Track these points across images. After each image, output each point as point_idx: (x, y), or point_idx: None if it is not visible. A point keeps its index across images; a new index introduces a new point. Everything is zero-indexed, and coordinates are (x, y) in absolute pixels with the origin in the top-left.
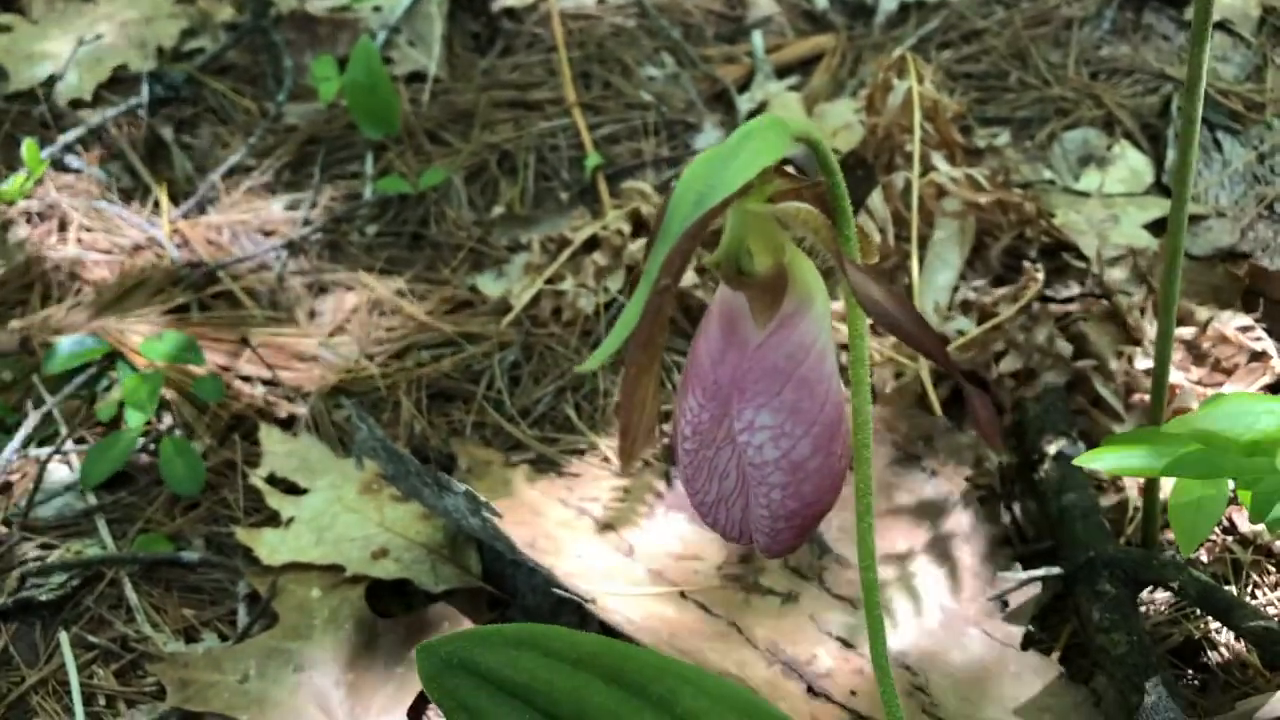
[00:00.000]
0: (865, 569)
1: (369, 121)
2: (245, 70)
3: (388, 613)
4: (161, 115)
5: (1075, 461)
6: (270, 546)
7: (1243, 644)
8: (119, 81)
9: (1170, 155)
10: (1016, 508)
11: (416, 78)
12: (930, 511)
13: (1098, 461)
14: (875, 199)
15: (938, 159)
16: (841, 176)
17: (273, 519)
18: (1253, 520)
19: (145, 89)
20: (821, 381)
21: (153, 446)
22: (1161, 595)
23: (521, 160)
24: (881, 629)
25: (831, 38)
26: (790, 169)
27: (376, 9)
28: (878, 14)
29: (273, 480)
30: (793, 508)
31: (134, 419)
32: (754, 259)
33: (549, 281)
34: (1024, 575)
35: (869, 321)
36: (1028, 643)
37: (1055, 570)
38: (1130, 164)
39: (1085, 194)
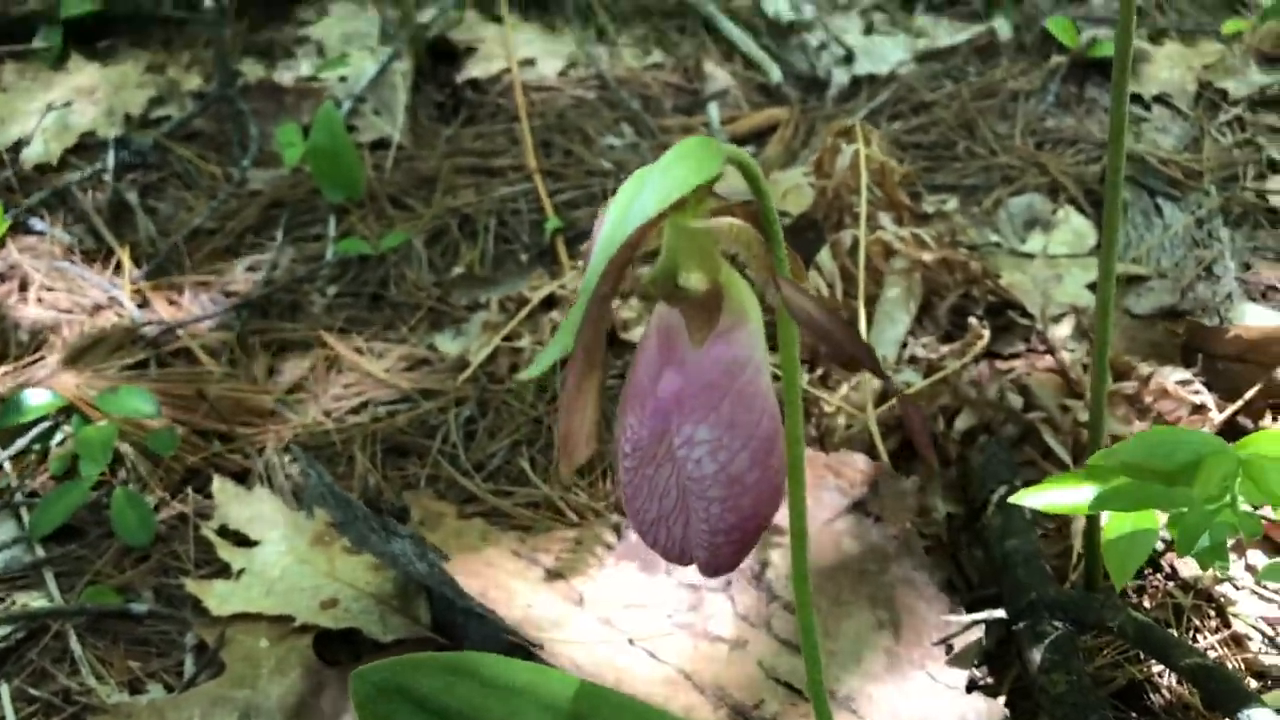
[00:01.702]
0: (799, 588)
1: (331, 186)
2: (211, 138)
3: (336, 662)
4: (127, 180)
5: (1011, 500)
6: (220, 597)
7: (1184, 686)
8: (86, 147)
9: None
10: (964, 556)
11: (381, 145)
12: (876, 557)
13: (1032, 499)
14: (824, 256)
15: (885, 219)
16: (770, 197)
17: (223, 571)
18: (1180, 553)
19: (111, 154)
20: (758, 396)
21: (105, 500)
22: (1105, 638)
23: (482, 224)
24: (817, 657)
25: (785, 110)
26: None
27: (343, 79)
28: (830, 87)
29: (224, 533)
30: (732, 521)
31: (87, 471)
32: (689, 276)
33: (506, 339)
34: (968, 619)
35: (804, 359)
36: (972, 686)
37: (998, 614)
38: (1074, 227)
39: (1030, 255)
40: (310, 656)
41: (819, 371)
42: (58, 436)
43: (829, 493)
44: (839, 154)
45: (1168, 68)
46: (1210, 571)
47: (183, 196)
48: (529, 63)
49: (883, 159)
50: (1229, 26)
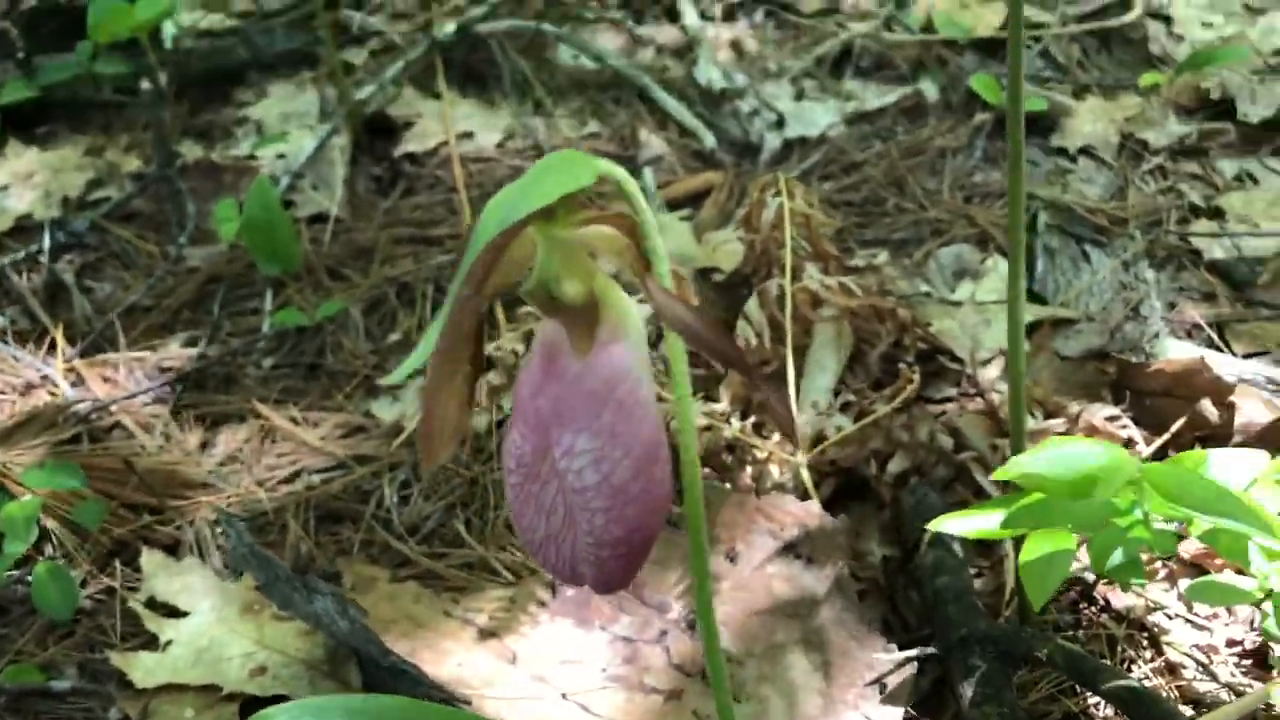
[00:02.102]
0: (701, 589)
1: (267, 258)
2: (150, 218)
3: None
4: (64, 261)
5: (928, 526)
6: (145, 669)
7: (1119, 716)
8: (23, 230)
9: (1040, 265)
10: (900, 599)
11: (319, 219)
12: (808, 600)
13: (952, 525)
14: (751, 305)
15: (812, 269)
16: (645, 206)
17: (150, 643)
18: (1095, 569)
19: (47, 236)
20: (639, 406)
21: (29, 576)
22: (1039, 673)
23: (420, 291)
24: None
25: (719, 174)
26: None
27: (281, 156)
28: (763, 151)
29: (153, 605)
30: (617, 534)
31: (11, 548)
32: (563, 285)
33: None
34: (899, 656)
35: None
36: None
37: (929, 650)
38: (1001, 274)
39: (959, 303)
40: None
41: (751, 419)
42: None
43: (760, 536)
44: (765, 208)
45: (1090, 121)
46: (1143, 602)
47: (120, 276)
48: (467, 135)
49: (807, 211)
50: (1146, 79)
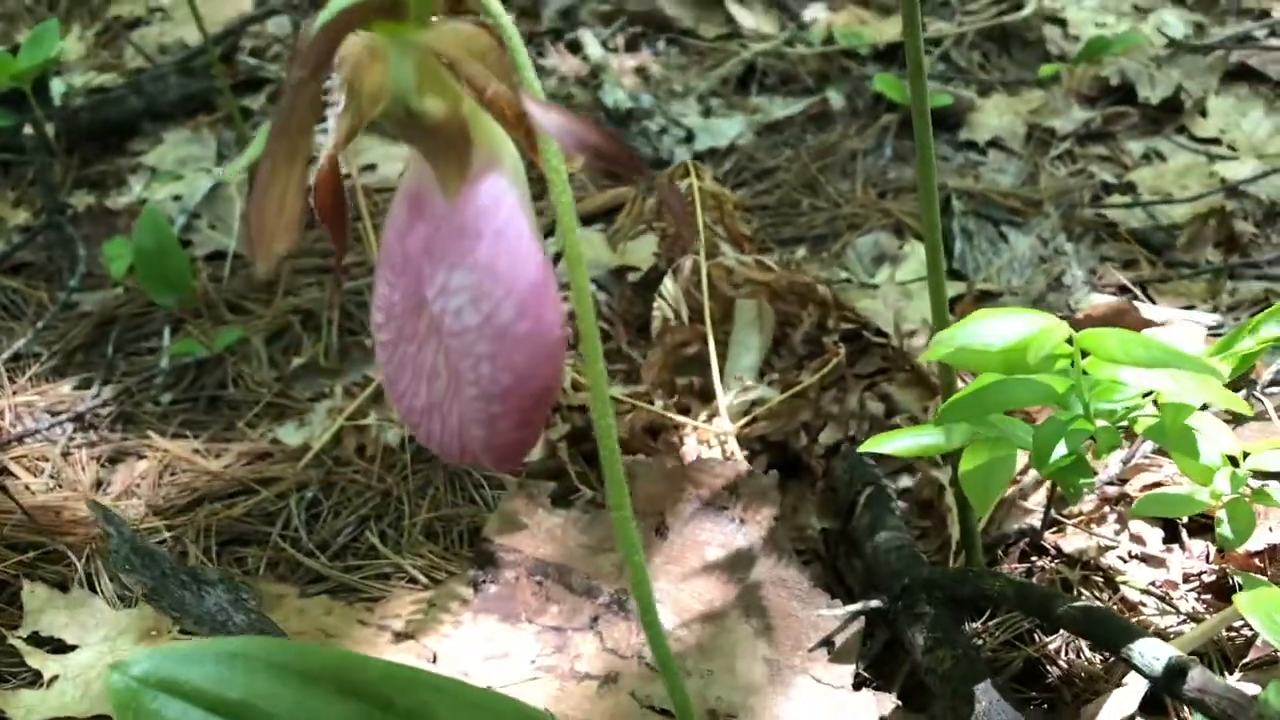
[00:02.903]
0: (633, 565)
1: (160, 288)
2: (40, 268)
3: None
4: None
5: (860, 449)
6: (27, 707)
7: (1081, 654)
8: None
9: (958, 246)
10: (843, 567)
11: (217, 256)
12: (742, 561)
13: (884, 445)
14: (666, 283)
15: (728, 249)
16: (506, 16)
17: (34, 682)
18: (1038, 470)
19: None
20: (521, 239)
21: None
22: (991, 622)
23: (325, 318)
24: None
25: (630, 189)
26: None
27: (176, 197)
28: (674, 162)
29: (38, 641)
30: (506, 383)
31: None
32: (424, 100)
33: (350, 418)
34: (843, 610)
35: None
36: (861, 686)
37: (874, 603)
38: (920, 257)
39: (878, 286)
40: None
41: (675, 398)
42: None
43: (688, 504)
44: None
45: (996, 115)
46: (1095, 543)
47: (8, 326)
48: (370, 168)
49: (715, 189)
50: (1046, 70)
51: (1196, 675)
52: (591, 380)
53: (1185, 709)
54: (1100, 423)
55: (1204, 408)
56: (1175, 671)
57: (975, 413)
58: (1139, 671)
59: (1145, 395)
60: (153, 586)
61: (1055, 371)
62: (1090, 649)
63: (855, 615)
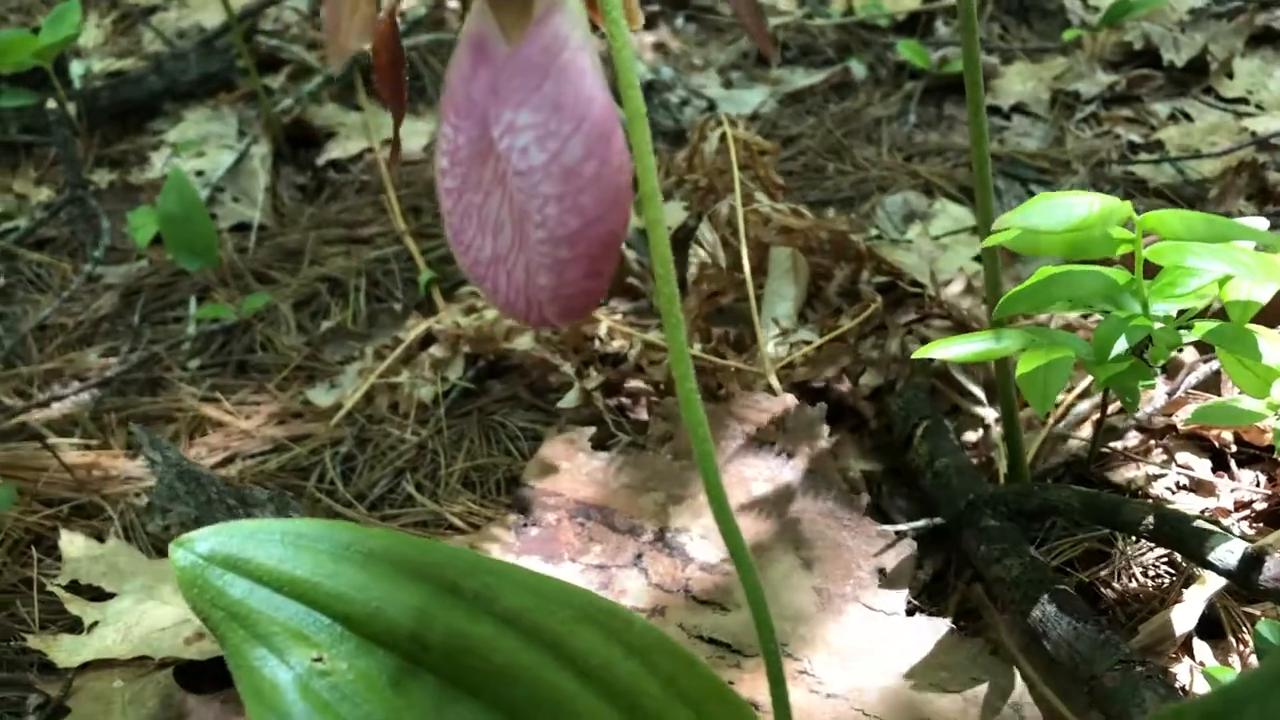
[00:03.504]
0: (720, 515)
1: (186, 254)
2: (63, 242)
3: (200, 690)
4: None
5: (916, 354)
6: (68, 650)
7: (1134, 578)
8: None
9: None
10: (888, 506)
11: (242, 228)
12: (789, 495)
13: (940, 350)
14: (702, 228)
15: (761, 197)
16: None
17: (74, 628)
18: (1097, 375)
19: None
20: (584, 75)
21: None
22: (1046, 548)
23: (353, 284)
24: (756, 583)
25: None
26: None
27: (199, 172)
28: None
29: (76, 589)
30: (574, 226)
31: None
32: None
33: (382, 377)
34: (904, 527)
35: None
36: (914, 613)
37: (937, 520)
38: (951, 214)
39: (910, 241)
40: (170, 685)
41: (712, 342)
42: None
43: (733, 440)
44: (706, 142)
45: (1020, 82)
46: (1143, 472)
47: (33, 299)
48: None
49: (748, 138)
50: (1068, 34)
51: (1273, 565)
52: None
53: (1244, 628)
54: (1159, 325)
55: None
56: (1251, 561)
57: (1036, 304)
58: (1213, 568)
59: (1202, 295)
60: (196, 516)
61: (1117, 265)
62: (1143, 574)
63: (917, 533)
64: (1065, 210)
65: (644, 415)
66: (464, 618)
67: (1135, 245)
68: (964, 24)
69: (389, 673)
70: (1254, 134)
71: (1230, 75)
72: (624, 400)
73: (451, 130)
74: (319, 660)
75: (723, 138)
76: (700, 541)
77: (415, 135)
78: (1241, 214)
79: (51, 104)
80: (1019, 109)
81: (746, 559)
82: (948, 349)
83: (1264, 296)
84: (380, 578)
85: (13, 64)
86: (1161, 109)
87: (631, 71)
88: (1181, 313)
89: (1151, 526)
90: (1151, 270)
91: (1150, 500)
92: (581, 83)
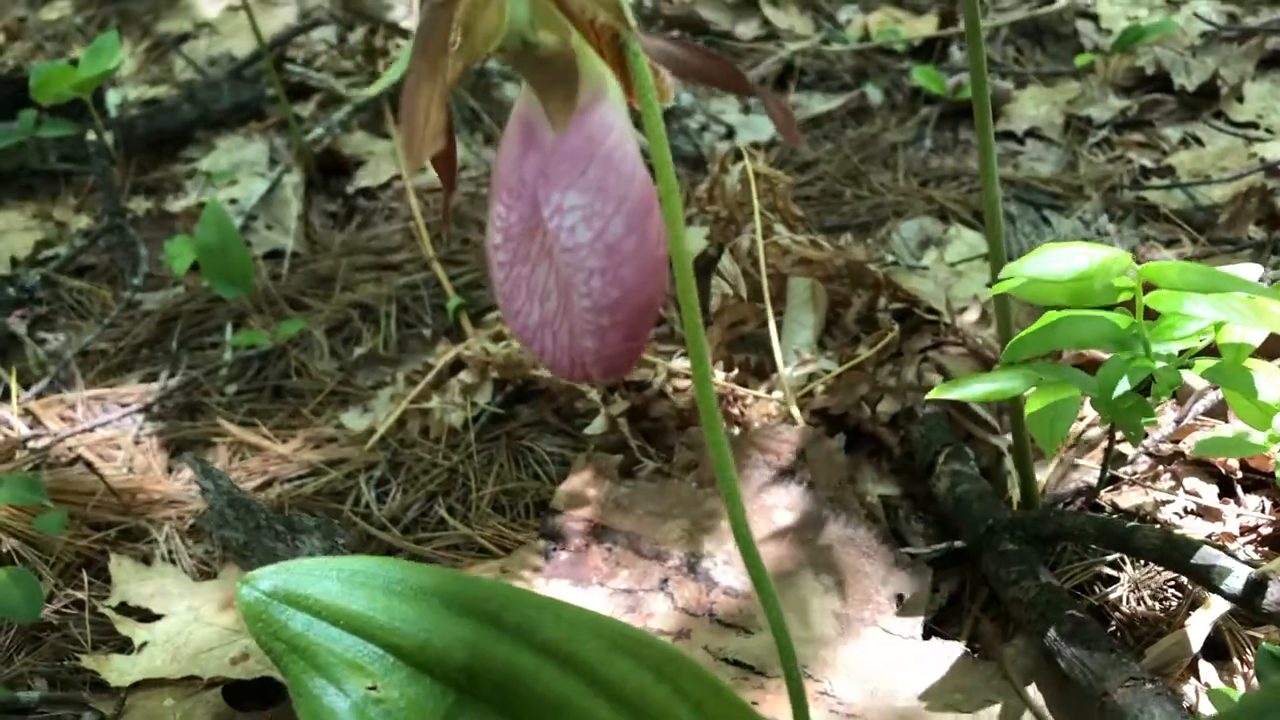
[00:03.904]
0: (742, 540)
1: (223, 282)
2: (103, 270)
3: (248, 709)
4: (15, 316)
5: (930, 395)
6: (120, 670)
7: (1143, 602)
8: None
9: (1002, 228)
10: (905, 530)
11: (275, 254)
12: (811, 522)
13: (954, 392)
14: (724, 260)
15: (781, 229)
16: None
17: (124, 648)
18: (1102, 411)
19: None
20: (626, 161)
21: None
22: (1057, 571)
23: (383, 311)
24: (775, 604)
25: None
26: None
27: (233, 201)
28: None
29: (125, 610)
30: (615, 296)
31: None
32: (539, 32)
33: (414, 402)
34: (922, 551)
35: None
36: (929, 636)
37: (954, 544)
38: (966, 240)
39: (926, 268)
40: (219, 704)
41: (735, 371)
42: None
43: (756, 470)
44: (727, 174)
45: (1033, 106)
46: (1151, 498)
47: (75, 325)
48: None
49: (768, 171)
50: (1081, 59)
51: (1275, 589)
52: (686, 311)
53: (1248, 650)
54: (1160, 364)
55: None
56: (1255, 586)
57: (1041, 347)
58: (1218, 592)
59: (1203, 336)
60: (244, 542)
61: (1118, 308)
62: (1150, 597)
63: (934, 557)
64: (1067, 261)
65: (669, 443)
66: (508, 649)
67: (1136, 293)
68: (971, 51)
69: (439, 700)
70: (1263, 160)
71: (1241, 99)
72: (649, 426)
73: (504, 210)
74: (373, 689)
75: (743, 170)
76: (724, 567)
77: None
78: (1251, 239)
79: (91, 135)
80: (1033, 133)
81: (768, 585)
82: (962, 389)
83: (1257, 339)
84: (428, 612)
85: (53, 96)
86: (1173, 134)
87: (666, 151)
88: (1183, 352)
89: (1161, 551)
90: (1152, 314)
91: (1159, 526)
92: (623, 166)
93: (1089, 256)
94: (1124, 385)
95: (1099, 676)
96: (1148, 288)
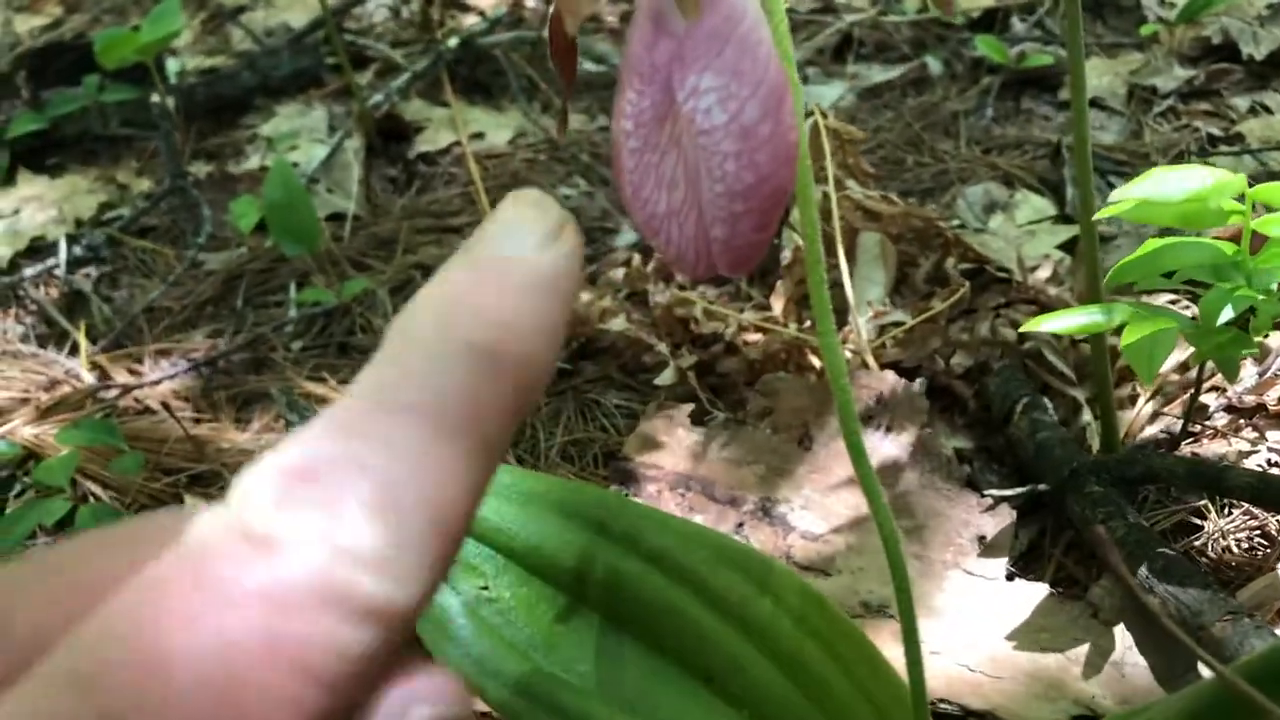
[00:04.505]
0: (855, 455)
1: (289, 239)
2: (165, 230)
3: None
4: (80, 275)
5: (1023, 329)
6: None
7: (1229, 550)
8: (36, 251)
9: (1069, 193)
10: (979, 482)
11: (337, 218)
12: (891, 468)
13: (1048, 324)
14: (796, 213)
15: (853, 184)
16: None
17: None
18: (1200, 345)
19: (63, 250)
20: (761, 45)
21: (70, 531)
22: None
23: None
24: (895, 536)
25: None
26: None
27: (294, 165)
28: None
29: None
30: (749, 182)
31: (53, 505)
32: None
33: None
34: (1005, 493)
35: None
36: (1011, 579)
37: (1037, 487)
38: (1033, 205)
39: (994, 231)
40: None
41: (807, 322)
42: (15, 488)
43: (832, 415)
44: None
45: (1095, 76)
46: (1234, 449)
47: (139, 284)
48: (478, 136)
49: (839, 127)
50: (1146, 29)
51: None
52: (803, 205)
53: None
54: (1262, 297)
55: None
56: None
57: (1144, 273)
58: None
59: None
60: None
61: (1227, 232)
62: (1237, 544)
63: (1014, 502)
64: (1180, 182)
65: (737, 397)
66: (615, 555)
67: (1244, 218)
68: (1069, 20)
69: (550, 602)
70: None
71: None
72: (716, 381)
73: (636, 95)
74: (485, 589)
75: (814, 126)
76: (801, 512)
77: (501, 129)
78: None
79: (155, 98)
80: (1095, 103)
81: (889, 521)
82: (1056, 323)
83: None
84: (538, 516)
85: (116, 60)
86: (1241, 102)
87: (789, 46)
88: None
89: (1255, 491)
90: (1258, 245)
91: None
92: (758, 50)
93: (1203, 177)
94: (1227, 313)
95: (1195, 612)
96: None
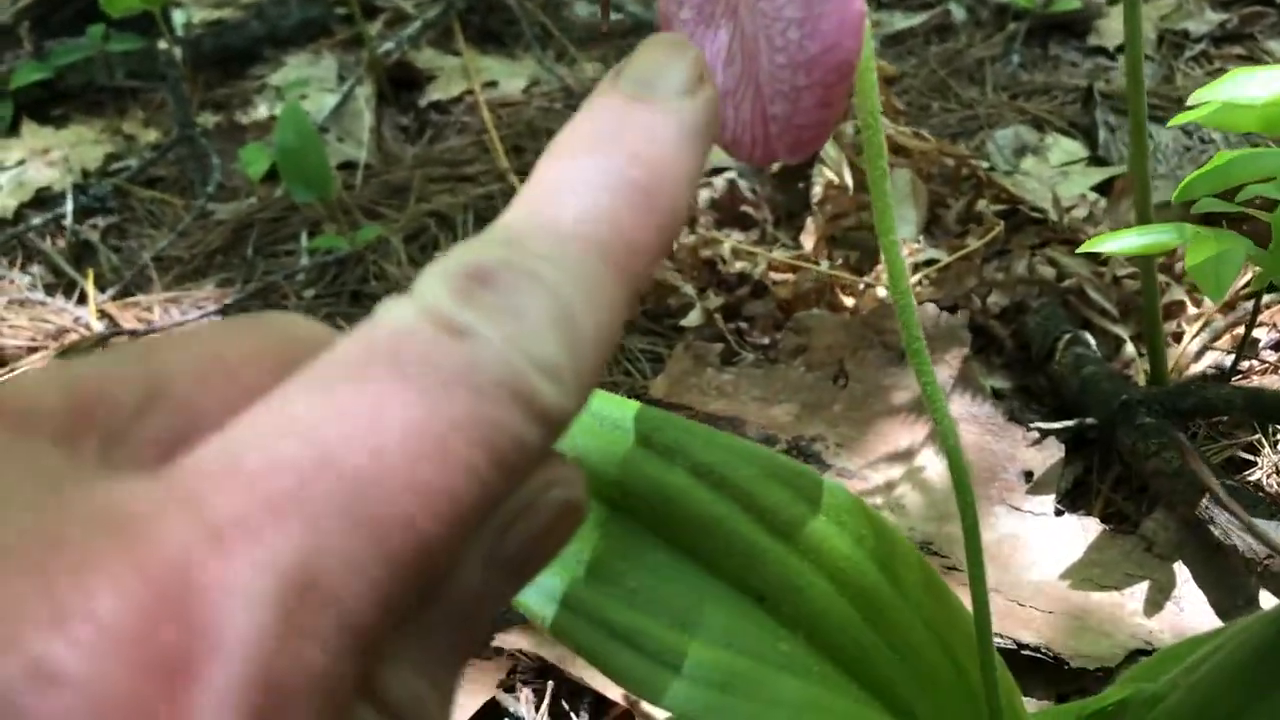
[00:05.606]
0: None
1: (301, 185)
2: (173, 180)
3: None
4: (87, 225)
5: (1081, 249)
6: None
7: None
8: (43, 201)
9: (1101, 136)
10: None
11: (348, 166)
12: None
13: (1108, 244)
14: (828, 147)
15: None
16: None
17: None
18: (1267, 263)
19: (70, 200)
20: None
21: None
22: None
23: (460, 219)
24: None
25: None
26: None
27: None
28: None
29: None
30: (813, 51)
31: None
32: None
33: None
34: (1055, 425)
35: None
36: (1060, 514)
37: (1085, 421)
38: (1064, 148)
39: (1027, 172)
40: None
41: (839, 260)
42: None
43: (870, 350)
44: None
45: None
46: None
47: (147, 233)
48: (491, 84)
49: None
50: None
51: None
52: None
53: None
54: None
55: None
56: None
57: (1216, 185)
58: None
59: None
60: None
61: None
62: None
63: (1069, 431)
64: (1265, 84)
65: (764, 340)
66: (659, 468)
67: None
68: None
69: (594, 512)
70: None
71: None
72: (743, 325)
73: None
74: None
75: None
76: (836, 449)
77: (514, 78)
78: None
79: (162, 45)
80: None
81: (947, 417)
82: (1118, 241)
83: None
84: (579, 426)
85: (122, 9)
86: (1275, 46)
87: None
88: None
89: None
90: None
91: None
92: None
93: None
94: None
95: (1263, 540)
96: None
